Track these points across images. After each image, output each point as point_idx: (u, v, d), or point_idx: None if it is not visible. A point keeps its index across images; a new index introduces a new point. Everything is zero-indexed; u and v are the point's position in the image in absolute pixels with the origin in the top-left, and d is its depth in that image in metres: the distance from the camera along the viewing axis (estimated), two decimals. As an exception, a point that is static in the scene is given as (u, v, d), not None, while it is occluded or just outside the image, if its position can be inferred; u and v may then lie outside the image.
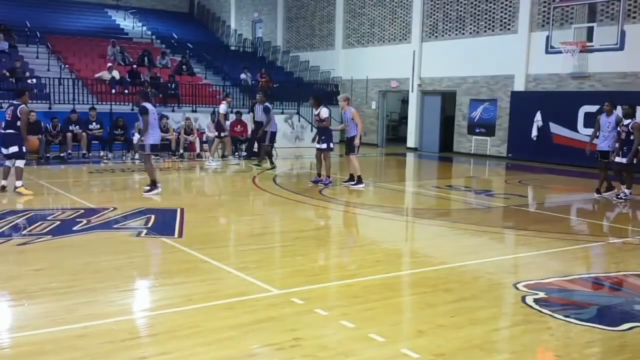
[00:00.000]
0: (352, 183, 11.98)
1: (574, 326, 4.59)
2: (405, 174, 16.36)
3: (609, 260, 6.82)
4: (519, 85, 18.67)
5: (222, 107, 15.70)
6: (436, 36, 21.39)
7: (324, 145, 12.07)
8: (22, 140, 10.50)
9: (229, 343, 4.16)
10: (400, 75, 22.64)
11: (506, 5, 19.04)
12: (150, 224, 8.00)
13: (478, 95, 20.01)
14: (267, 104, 15.09)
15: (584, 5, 16.83)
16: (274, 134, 15.08)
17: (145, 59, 22.37)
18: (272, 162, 14.83)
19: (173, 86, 20.46)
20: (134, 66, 21.06)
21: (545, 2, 17.96)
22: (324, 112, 12.13)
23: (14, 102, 10.70)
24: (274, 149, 15.50)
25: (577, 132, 16.95)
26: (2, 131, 10.77)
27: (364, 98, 24.44)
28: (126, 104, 19.15)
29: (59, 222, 8.01)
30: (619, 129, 10.86)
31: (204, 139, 17.70)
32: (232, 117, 17.64)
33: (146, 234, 7.44)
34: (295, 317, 4.68)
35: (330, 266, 6.55)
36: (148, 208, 9.17)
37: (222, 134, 15.76)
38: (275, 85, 23.18)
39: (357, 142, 11.76)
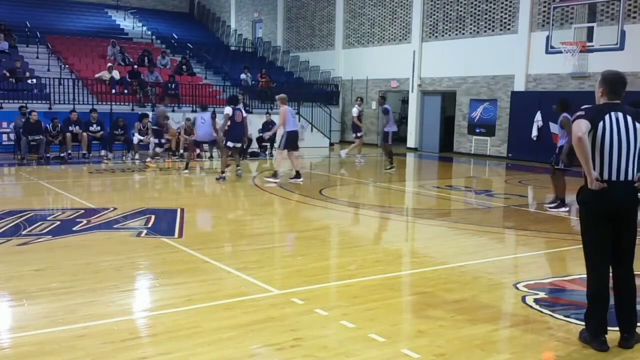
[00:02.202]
0: (291, 177, 12.42)
1: (574, 326, 4.58)
2: (406, 174, 16.35)
3: (609, 260, 6.82)
4: (519, 85, 18.66)
5: (355, 110, 17.08)
6: (436, 36, 21.39)
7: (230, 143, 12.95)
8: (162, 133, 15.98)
9: (229, 343, 4.16)
10: (400, 75, 22.64)
11: (506, 5, 19.04)
12: (150, 224, 8.01)
13: (478, 95, 20.01)
14: (386, 105, 15.82)
15: (584, 5, 16.82)
16: (394, 134, 15.67)
17: (145, 59, 22.37)
18: (391, 162, 15.40)
19: (173, 86, 20.46)
20: (134, 66, 21.06)
21: (545, 2, 17.95)
22: (225, 109, 13.09)
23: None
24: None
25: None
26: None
27: (364, 98, 24.43)
28: (126, 104, 19.18)
29: (59, 222, 8.01)
30: None
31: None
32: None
33: (146, 234, 7.44)
34: (296, 317, 4.68)
35: (331, 266, 6.55)
36: (148, 208, 9.18)
37: (359, 134, 17.18)
38: (274, 85, 23.20)
39: (265, 135, 13.60)
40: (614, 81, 4.19)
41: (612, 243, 4.17)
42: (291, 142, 12.39)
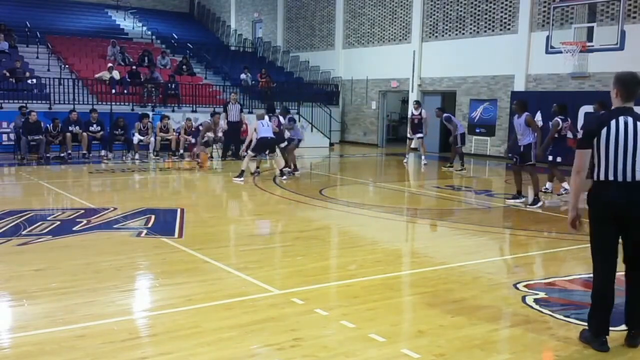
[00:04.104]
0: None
1: (574, 326, 4.58)
2: (406, 174, 16.35)
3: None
4: (519, 85, 18.65)
5: (424, 112, 17.36)
6: (436, 36, 21.39)
7: None
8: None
9: (229, 343, 4.16)
10: (400, 75, 22.63)
11: (506, 5, 19.04)
12: (150, 224, 8.00)
13: (478, 95, 20.00)
14: (446, 114, 16.38)
15: (584, 5, 16.81)
16: (463, 135, 16.18)
17: (146, 59, 22.37)
18: (462, 164, 15.95)
19: (173, 86, 20.46)
20: (134, 67, 21.07)
21: (545, 2, 17.95)
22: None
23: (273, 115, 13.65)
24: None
25: (578, 131, 16.92)
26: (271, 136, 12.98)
27: (364, 98, 24.44)
28: (126, 104, 19.18)
29: (59, 222, 8.01)
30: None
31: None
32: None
33: (146, 234, 7.44)
34: (296, 317, 4.68)
35: (331, 266, 6.55)
36: (148, 208, 9.17)
37: (416, 135, 17.20)
38: (274, 85, 23.20)
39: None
40: (627, 82, 4.15)
41: (626, 244, 4.19)
42: (259, 147, 12.87)
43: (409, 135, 17.59)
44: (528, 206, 10.22)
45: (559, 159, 11.19)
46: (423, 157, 17.12)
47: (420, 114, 17.08)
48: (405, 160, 17.61)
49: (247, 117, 18.25)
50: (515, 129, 10.55)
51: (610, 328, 4.21)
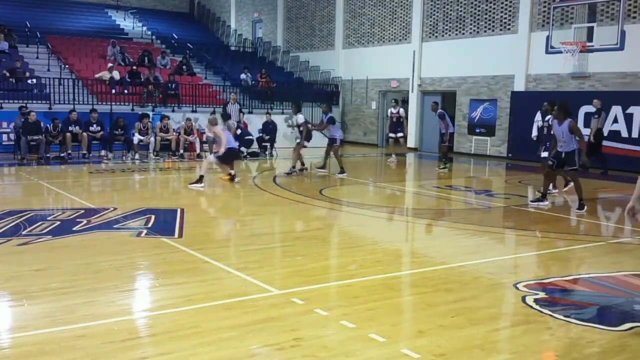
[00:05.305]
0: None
1: (574, 326, 4.59)
2: (406, 174, 16.36)
3: (608, 260, 6.82)
4: (519, 85, 18.66)
5: (402, 111, 17.98)
6: (436, 36, 21.39)
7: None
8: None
9: (229, 343, 4.16)
10: (400, 75, 22.63)
11: (506, 5, 19.04)
12: (150, 224, 8.00)
13: (478, 95, 20.01)
14: (441, 110, 16.38)
15: (584, 5, 16.82)
16: (451, 135, 16.36)
17: (146, 59, 22.37)
18: (446, 162, 16.07)
19: (173, 86, 20.46)
20: (134, 67, 21.06)
21: (545, 2, 17.95)
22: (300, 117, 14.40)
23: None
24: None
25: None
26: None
27: (364, 98, 24.44)
28: (126, 104, 19.18)
29: (59, 222, 8.01)
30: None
31: (204, 139, 17.69)
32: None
33: (146, 234, 7.44)
34: (296, 317, 4.68)
35: (331, 266, 6.55)
36: (148, 208, 9.17)
37: (391, 134, 17.88)
38: (274, 85, 23.19)
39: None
40: None
41: None
42: (227, 158, 12.22)
43: (390, 135, 17.80)
44: (576, 210, 9.79)
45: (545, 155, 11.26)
46: (393, 155, 17.48)
47: (398, 112, 17.30)
48: (389, 160, 17.66)
49: (246, 117, 18.28)
50: (556, 136, 9.98)
51: (611, 328, 4.22)
